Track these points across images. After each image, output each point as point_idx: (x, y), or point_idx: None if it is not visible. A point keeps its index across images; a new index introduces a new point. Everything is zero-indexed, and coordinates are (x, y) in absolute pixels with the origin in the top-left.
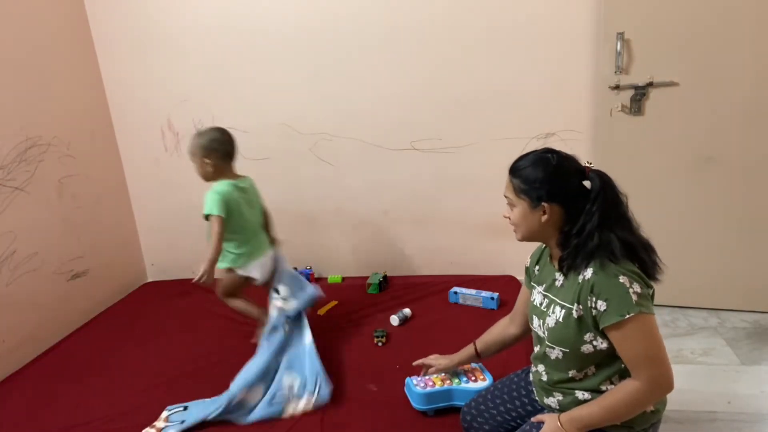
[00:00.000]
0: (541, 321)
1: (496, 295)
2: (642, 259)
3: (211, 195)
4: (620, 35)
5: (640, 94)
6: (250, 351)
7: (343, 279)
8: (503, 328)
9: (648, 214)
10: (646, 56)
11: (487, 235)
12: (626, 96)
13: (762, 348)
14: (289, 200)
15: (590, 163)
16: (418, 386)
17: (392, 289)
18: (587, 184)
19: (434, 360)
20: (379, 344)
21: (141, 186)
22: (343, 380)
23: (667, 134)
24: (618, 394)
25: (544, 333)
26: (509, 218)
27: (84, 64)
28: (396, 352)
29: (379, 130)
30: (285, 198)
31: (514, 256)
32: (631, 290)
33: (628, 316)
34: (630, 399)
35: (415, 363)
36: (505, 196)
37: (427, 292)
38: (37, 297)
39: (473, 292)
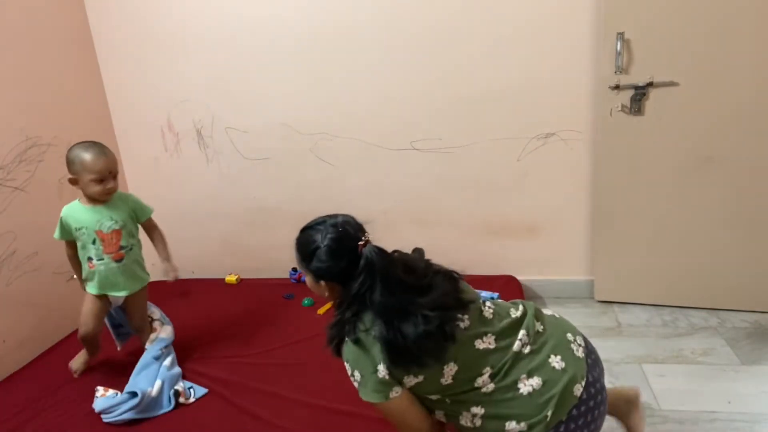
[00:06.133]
0: None
1: (496, 295)
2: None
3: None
4: (620, 35)
5: (640, 94)
6: (248, 351)
7: None
8: None
9: (648, 214)
10: (646, 56)
11: (487, 235)
12: (626, 96)
13: (762, 348)
14: (289, 200)
15: (365, 240)
16: None
17: None
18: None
19: None
20: None
21: (141, 186)
22: (345, 380)
23: (667, 134)
24: None
25: None
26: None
27: (84, 64)
28: None
29: (379, 130)
30: (285, 198)
31: (514, 256)
32: (353, 378)
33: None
34: None
35: None
36: None
37: None
38: (37, 297)
39: None
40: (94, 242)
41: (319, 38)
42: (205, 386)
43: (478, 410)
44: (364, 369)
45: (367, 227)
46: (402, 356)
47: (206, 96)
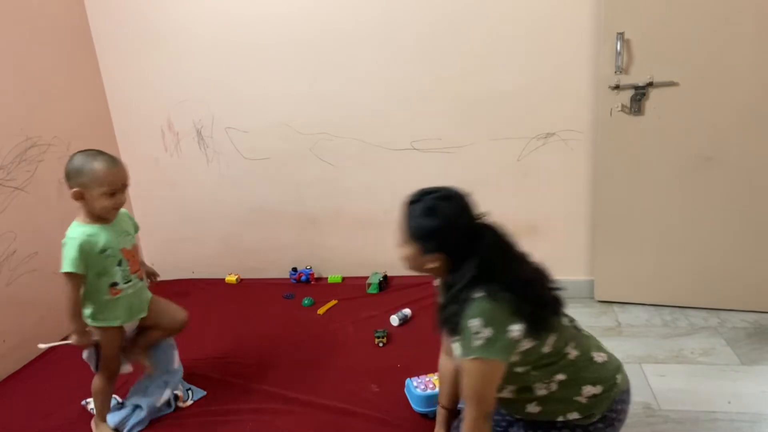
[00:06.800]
0: None
1: None
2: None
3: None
4: (620, 35)
5: (640, 94)
6: (249, 351)
7: (343, 279)
8: (446, 368)
9: (648, 214)
10: (646, 56)
11: None
12: (626, 96)
13: (762, 348)
14: (289, 200)
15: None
16: (418, 388)
17: (392, 289)
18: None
19: None
20: (380, 344)
21: (141, 186)
22: (345, 381)
23: (667, 134)
24: None
25: None
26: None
27: (84, 64)
28: (397, 352)
29: (379, 130)
30: (285, 198)
31: None
32: (478, 335)
33: (468, 358)
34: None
35: None
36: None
37: (427, 292)
38: (37, 297)
39: None
40: (120, 263)
41: (319, 38)
42: (204, 387)
43: (560, 377)
44: (498, 326)
45: (367, 227)
46: (534, 319)
47: (206, 96)
